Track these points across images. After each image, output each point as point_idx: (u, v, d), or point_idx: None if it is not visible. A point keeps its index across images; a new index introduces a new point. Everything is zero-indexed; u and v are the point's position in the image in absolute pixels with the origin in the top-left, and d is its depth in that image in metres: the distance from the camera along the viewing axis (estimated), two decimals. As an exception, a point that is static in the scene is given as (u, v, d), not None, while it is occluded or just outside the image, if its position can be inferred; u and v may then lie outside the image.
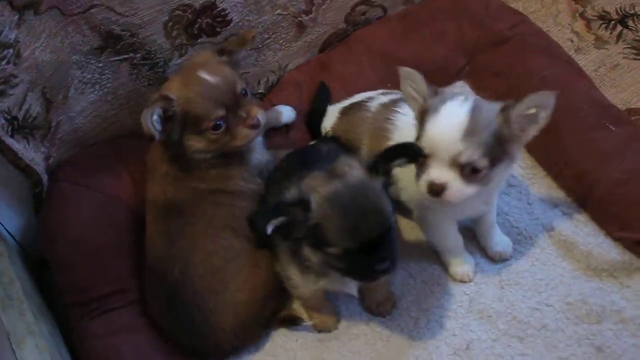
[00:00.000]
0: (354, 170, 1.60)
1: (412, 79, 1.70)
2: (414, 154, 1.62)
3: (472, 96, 1.69)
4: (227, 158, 1.97)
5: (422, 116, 1.67)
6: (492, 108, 1.65)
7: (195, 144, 1.91)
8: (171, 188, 1.95)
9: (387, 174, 1.61)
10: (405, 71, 1.71)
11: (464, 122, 1.59)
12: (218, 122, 1.87)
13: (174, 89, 1.87)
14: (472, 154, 1.59)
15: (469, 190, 1.64)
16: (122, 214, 2.07)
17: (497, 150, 1.62)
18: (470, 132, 1.58)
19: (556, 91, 1.62)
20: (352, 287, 1.83)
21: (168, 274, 1.90)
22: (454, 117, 1.61)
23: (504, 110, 1.63)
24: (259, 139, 2.05)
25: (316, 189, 1.56)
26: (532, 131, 1.65)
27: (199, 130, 1.88)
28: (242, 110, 1.90)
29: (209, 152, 1.93)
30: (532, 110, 1.62)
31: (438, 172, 1.63)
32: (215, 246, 1.91)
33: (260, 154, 2.07)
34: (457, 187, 1.63)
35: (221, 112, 1.87)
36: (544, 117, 1.63)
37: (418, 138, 1.67)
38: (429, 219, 1.92)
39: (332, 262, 1.61)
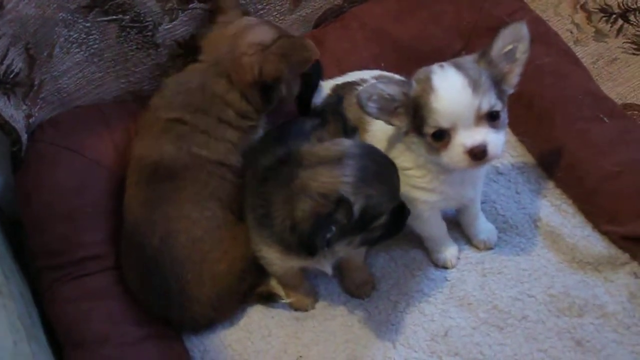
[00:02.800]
0: (344, 142, 1.60)
1: (373, 92, 1.64)
2: (338, 105, 1.71)
3: (444, 62, 1.67)
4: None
5: (415, 105, 1.63)
6: (469, 60, 1.66)
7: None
8: (171, 147, 1.89)
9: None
10: (361, 94, 1.64)
11: (464, 80, 1.58)
12: None
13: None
14: (490, 99, 1.59)
15: (501, 137, 1.63)
16: (102, 178, 2.02)
17: (498, 92, 1.62)
18: (474, 84, 1.58)
19: (524, 20, 1.65)
20: (327, 265, 1.80)
21: (147, 240, 1.85)
22: (452, 81, 1.59)
23: (483, 55, 1.64)
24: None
25: (339, 182, 1.53)
26: (517, 68, 1.67)
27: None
28: None
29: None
30: (510, 47, 1.64)
31: (470, 136, 1.59)
32: (199, 215, 1.87)
33: (262, 130, 2.06)
34: (494, 138, 1.60)
35: None
36: (522, 50, 1.65)
37: (422, 123, 1.62)
38: (412, 210, 1.87)
39: (374, 234, 1.59)
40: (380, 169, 1.56)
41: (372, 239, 1.62)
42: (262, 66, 1.89)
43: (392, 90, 1.64)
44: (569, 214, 2.02)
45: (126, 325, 1.85)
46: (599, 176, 1.97)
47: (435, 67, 1.65)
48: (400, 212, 1.64)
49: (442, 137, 1.61)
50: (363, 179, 1.53)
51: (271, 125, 2.08)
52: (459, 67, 1.62)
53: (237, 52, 1.92)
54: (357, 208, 1.51)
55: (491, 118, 1.60)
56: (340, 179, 1.53)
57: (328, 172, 1.55)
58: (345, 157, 1.56)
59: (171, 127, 1.92)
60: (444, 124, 1.60)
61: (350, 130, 1.66)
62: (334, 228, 1.50)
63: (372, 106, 1.65)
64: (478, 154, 1.59)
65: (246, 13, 2.11)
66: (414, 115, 1.64)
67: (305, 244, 1.50)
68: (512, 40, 1.64)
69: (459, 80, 1.58)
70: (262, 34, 1.95)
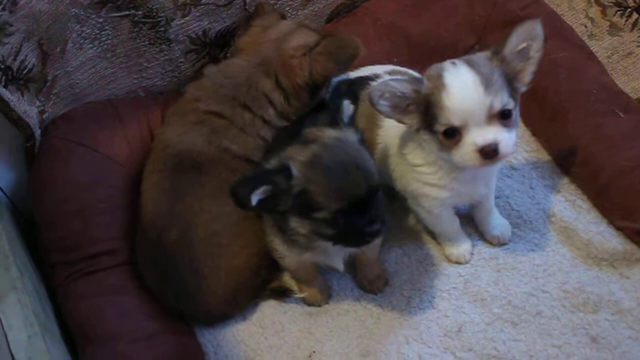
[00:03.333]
0: (326, 131, 1.60)
1: (385, 89, 1.63)
2: (351, 89, 1.67)
3: (455, 59, 1.65)
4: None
5: (426, 102, 1.62)
6: (482, 57, 1.64)
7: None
8: (201, 140, 1.90)
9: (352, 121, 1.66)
10: (373, 92, 1.63)
11: (476, 77, 1.57)
12: None
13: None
14: (503, 98, 1.57)
15: (512, 136, 1.62)
16: (115, 173, 2.03)
17: (511, 90, 1.61)
18: (486, 82, 1.56)
19: (539, 18, 1.62)
20: (337, 261, 1.80)
21: (165, 232, 1.85)
22: (464, 79, 1.58)
23: (496, 53, 1.62)
24: None
25: (293, 157, 1.55)
26: (531, 67, 1.65)
27: None
28: None
29: None
30: (524, 44, 1.62)
31: (482, 135, 1.58)
32: (219, 210, 1.87)
33: None
34: (506, 137, 1.59)
35: None
36: (536, 49, 1.63)
37: (433, 121, 1.61)
38: (424, 206, 1.87)
39: (321, 229, 1.57)
40: (335, 168, 1.53)
41: (321, 233, 1.58)
42: (311, 67, 1.91)
43: (403, 87, 1.63)
44: (583, 210, 2.01)
45: (139, 321, 1.85)
46: (614, 171, 1.96)
47: (447, 64, 1.63)
48: (359, 227, 1.57)
49: (453, 134, 1.61)
50: (313, 165, 1.53)
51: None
52: (471, 65, 1.60)
53: (284, 55, 1.93)
54: (296, 183, 1.51)
55: (503, 117, 1.59)
56: (296, 156, 1.54)
57: (293, 150, 1.57)
58: (313, 142, 1.57)
59: (207, 120, 1.92)
60: (455, 121, 1.59)
61: (338, 122, 1.65)
62: (267, 187, 1.50)
63: (384, 104, 1.64)
64: (489, 153, 1.58)
65: (283, 17, 2.12)
66: (425, 112, 1.63)
67: (232, 190, 1.51)
68: (526, 39, 1.62)
69: (471, 78, 1.57)
70: (305, 36, 1.97)
